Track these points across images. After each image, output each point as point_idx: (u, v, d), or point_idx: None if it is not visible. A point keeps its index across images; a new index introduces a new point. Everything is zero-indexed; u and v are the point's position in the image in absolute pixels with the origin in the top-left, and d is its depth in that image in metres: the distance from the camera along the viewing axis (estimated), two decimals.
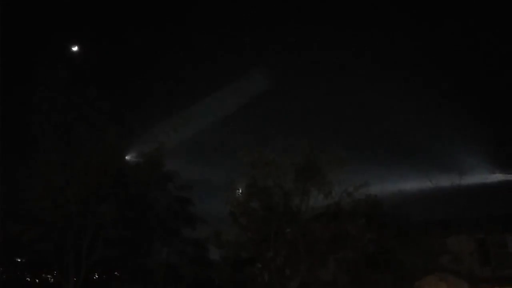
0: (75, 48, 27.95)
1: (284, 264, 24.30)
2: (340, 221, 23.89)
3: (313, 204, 24.56)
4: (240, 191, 25.15)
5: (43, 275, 32.88)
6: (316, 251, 23.78)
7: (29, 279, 33.12)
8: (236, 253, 25.31)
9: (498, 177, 34.10)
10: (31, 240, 22.54)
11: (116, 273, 29.69)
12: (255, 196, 24.55)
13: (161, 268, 26.23)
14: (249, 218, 24.71)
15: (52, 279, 31.85)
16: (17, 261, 30.50)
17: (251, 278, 25.95)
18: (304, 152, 24.41)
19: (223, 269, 25.26)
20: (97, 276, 30.42)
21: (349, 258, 24.51)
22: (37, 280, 33.06)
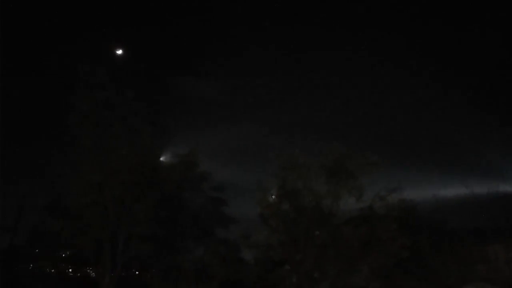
0: (119, 52, 28.86)
1: (313, 267, 24.14)
2: (372, 225, 23.48)
3: (344, 207, 24.34)
4: (274, 195, 25.12)
5: (84, 269, 34.31)
6: (346, 255, 23.51)
7: (71, 274, 34.67)
8: (266, 254, 25.40)
9: None
10: (71, 235, 23.54)
11: (150, 270, 30.56)
12: (285, 198, 24.57)
13: (194, 267, 26.74)
14: (279, 220, 24.74)
15: (93, 274, 33.15)
16: (60, 255, 32.00)
17: (280, 280, 25.99)
18: (335, 154, 24.24)
19: (253, 269, 25.41)
20: (133, 271, 31.43)
21: (381, 264, 24.03)
22: (78, 274, 34.55)
